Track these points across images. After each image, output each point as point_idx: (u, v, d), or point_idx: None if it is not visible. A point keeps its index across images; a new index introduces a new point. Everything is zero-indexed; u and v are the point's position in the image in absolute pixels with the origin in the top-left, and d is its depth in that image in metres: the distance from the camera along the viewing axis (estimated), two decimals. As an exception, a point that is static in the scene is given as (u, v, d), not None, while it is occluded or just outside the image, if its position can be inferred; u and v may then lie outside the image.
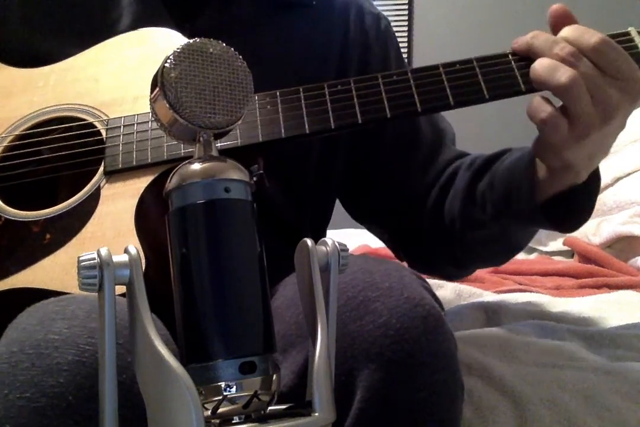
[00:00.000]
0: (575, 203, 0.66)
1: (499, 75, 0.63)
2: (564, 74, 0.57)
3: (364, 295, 0.52)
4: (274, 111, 0.65)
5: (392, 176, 0.83)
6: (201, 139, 0.37)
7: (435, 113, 0.64)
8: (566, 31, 0.60)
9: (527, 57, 0.62)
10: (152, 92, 0.37)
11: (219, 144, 0.63)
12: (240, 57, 0.38)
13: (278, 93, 0.66)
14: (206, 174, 0.36)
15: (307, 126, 0.64)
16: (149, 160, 0.64)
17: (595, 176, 0.66)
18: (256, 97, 0.66)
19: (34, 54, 0.76)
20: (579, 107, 0.57)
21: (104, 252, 0.34)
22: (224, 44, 0.37)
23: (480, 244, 0.78)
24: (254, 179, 0.63)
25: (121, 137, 0.66)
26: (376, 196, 0.86)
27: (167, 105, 0.36)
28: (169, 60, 0.36)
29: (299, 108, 0.65)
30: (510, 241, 0.76)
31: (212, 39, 0.37)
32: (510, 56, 0.64)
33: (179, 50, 0.36)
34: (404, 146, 0.83)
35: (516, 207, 0.67)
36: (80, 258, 0.34)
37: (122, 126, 0.67)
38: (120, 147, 0.66)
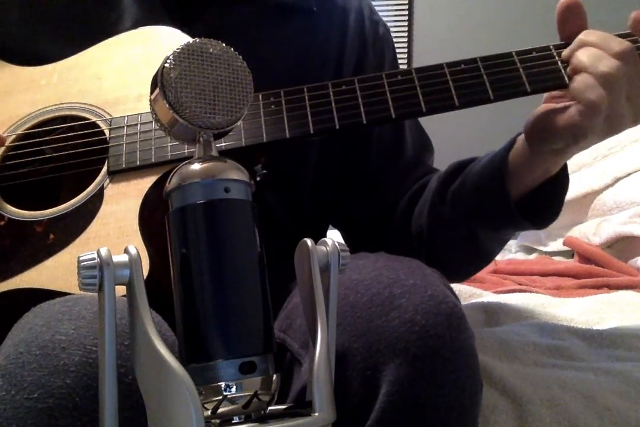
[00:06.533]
0: (549, 195, 0.66)
1: (505, 76, 0.63)
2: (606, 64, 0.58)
3: (389, 291, 0.52)
4: (278, 111, 0.65)
5: (370, 186, 0.83)
6: (201, 139, 0.37)
7: (439, 113, 0.64)
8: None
9: (531, 57, 0.63)
10: (152, 92, 0.37)
11: (222, 144, 0.63)
12: (240, 57, 0.38)
13: (282, 92, 0.65)
14: (206, 174, 0.36)
15: (311, 126, 0.63)
16: (153, 160, 0.64)
17: (564, 167, 0.67)
18: (260, 97, 0.65)
19: (34, 54, 0.76)
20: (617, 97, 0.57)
21: (104, 252, 0.34)
22: (224, 44, 0.37)
23: (448, 250, 0.76)
24: (258, 178, 0.63)
25: (124, 136, 0.66)
26: (350, 204, 0.85)
27: (167, 105, 0.36)
28: (168, 61, 0.36)
29: (303, 108, 0.64)
30: (479, 247, 0.74)
31: (212, 39, 0.37)
32: (515, 56, 0.63)
33: (178, 50, 0.36)
34: (386, 157, 0.83)
35: (488, 203, 0.67)
36: (80, 258, 0.34)
37: (125, 126, 0.67)
38: (124, 147, 0.65)
